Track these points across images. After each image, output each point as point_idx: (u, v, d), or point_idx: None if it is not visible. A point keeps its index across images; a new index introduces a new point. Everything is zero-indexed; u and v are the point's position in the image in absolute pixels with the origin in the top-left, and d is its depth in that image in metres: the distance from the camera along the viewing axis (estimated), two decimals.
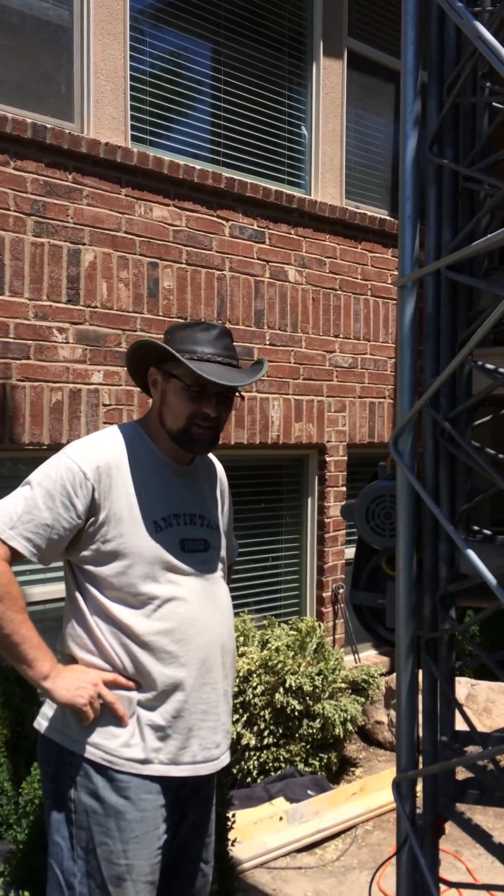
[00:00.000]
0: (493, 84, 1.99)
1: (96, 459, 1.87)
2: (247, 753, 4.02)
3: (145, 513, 1.88)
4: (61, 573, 2.00)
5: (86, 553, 1.86)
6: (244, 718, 4.03)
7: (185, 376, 1.89)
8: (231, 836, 2.63)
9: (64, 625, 1.93)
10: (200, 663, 1.89)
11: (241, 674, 4.03)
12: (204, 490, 2.06)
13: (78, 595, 1.88)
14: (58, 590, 3.77)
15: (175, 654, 1.85)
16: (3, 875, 2.25)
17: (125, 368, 2.70)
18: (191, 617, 1.88)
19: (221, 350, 1.92)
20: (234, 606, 5.08)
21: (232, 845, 2.64)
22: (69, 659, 1.89)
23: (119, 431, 1.96)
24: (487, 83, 2.00)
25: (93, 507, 1.85)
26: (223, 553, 2.07)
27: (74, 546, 1.88)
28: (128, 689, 1.84)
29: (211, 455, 2.15)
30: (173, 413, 1.92)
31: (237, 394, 1.98)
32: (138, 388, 2.37)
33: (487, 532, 2.07)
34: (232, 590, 5.40)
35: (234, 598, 5.41)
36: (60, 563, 1.97)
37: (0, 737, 3.28)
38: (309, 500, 5.24)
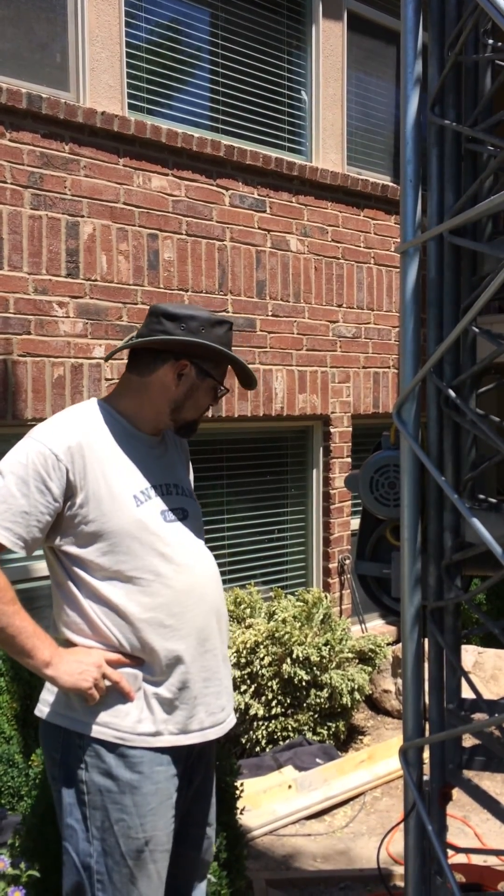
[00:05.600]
0: (496, 41, 1.93)
1: (67, 440, 1.83)
2: (255, 723, 4.06)
3: (123, 488, 1.86)
4: None
5: (68, 537, 1.84)
6: (252, 689, 4.06)
7: (220, 377, 1.99)
8: (240, 804, 2.65)
9: (54, 612, 1.91)
10: (199, 633, 1.88)
11: (248, 645, 4.05)
12: (174, 459, 2.06)
13: (68, 581, 1.86)
14: None
15: (174, 627, 1.85)
16: (14, 847, 2.28)
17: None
18: (184, 588, 1.87)
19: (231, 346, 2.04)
20: (241, 579, 5.05)
21: (241, 814, 2.66)
22: (66, 644, 1.88)
23: (85, 409, 1.94)
24: (490, 40, 1.94)
25: (69, 489, 1.82)
26: (201, 519, 2.06)
27: (55, 532, 1.85)
28: (131, 666, 1.84)
29: None
30: (196, 407, 1.98)
31: None
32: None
33: (493, 500, 2.06)
34: (238, 562, 5.35)
35: (240, 570, 5.36)
36: None
37: (10, 710, 3.31)
38: (314, 471, 5.23)
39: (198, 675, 1.88)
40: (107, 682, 1.80)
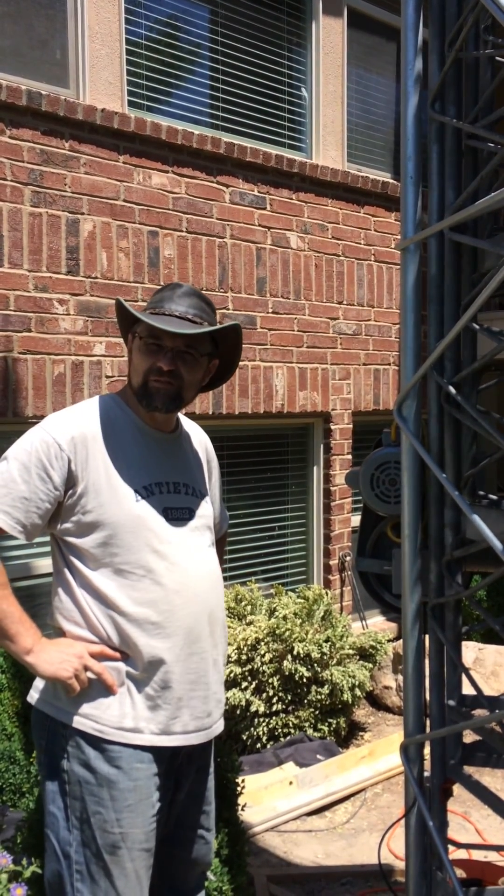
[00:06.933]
0: (496, 37, 1.93)
1: (71, 430, 1.85)
2: (256, 720, 4.06)
3: (125, 482, 1.86)
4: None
5: (67, 525, 1.85)
6: (253, 686, 4.06)
7: (142, 331, 1.90)
8: (241, 801, 2.65)
9: (52, 598, 1.92)
10: (186, 633, 1.87)
11: (249, 642, 4.05)
12: (189, 458, 2.05)
13: (64, 568, 1.88)
14: None
15: (160, 625, 1.84)
16: (16, 843, 2.28)
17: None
18: (175, 587, 1.86)
19: (183, 307, 1.91)
20: (242, 575, 5.04)
21: (242, 810, 2.67)
22: (59, 632, 1.89)
23: (98, 402, 1.95)
24: (490, 37, 1.95)
25: (70, 479, 1.83)
26: (211, 522, 2.05)
27: (56, 519, 1.87)
28: (115, 660, 1.84)
29: (196, 425, 2.15)
30: (135, 370, 1.92)
31: (209, 356, 1.95)
32: None
33: (493, 497, 2.06)
34: (239, 559, 5.34)
35: (241, 567, 5.35)
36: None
37: (12, 707, 3.32)
38: (314, 468, 5.23)
39: (183, 676, 1.87)
40: (90, 675, 1.81)
